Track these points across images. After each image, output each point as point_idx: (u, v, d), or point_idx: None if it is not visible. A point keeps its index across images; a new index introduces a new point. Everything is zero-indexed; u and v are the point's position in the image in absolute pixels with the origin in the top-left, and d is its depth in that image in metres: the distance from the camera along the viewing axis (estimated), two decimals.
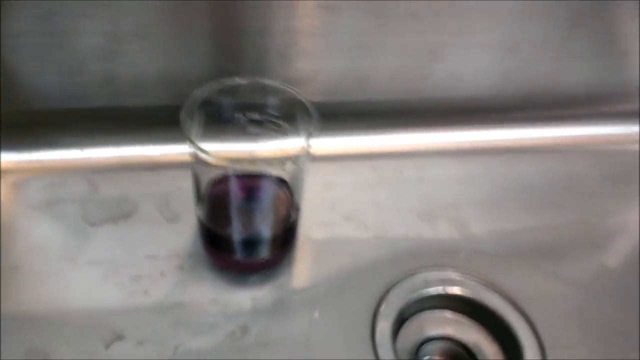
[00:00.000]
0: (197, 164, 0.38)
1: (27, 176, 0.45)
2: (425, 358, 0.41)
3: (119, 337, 0.36)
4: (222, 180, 0.40)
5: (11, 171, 0.45)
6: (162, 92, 0.47)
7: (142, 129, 0.48)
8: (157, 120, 0.47)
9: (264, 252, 0.40)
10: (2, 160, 0.46)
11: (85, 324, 0.36)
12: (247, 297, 0.39)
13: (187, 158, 0.38)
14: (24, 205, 0.43)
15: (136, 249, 0.41)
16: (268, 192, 0.42)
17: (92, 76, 0.44)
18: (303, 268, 0.42)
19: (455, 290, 0.41)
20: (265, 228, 0.41)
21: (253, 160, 0.38)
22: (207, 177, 0.40)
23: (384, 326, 0.38)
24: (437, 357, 0.41)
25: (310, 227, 0.44)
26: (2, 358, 0.34)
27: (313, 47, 0.46)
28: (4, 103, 0.44)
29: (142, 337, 0.36)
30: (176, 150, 0.48)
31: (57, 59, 0.43)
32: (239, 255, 0.40)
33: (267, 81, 0.39)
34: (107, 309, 0.37)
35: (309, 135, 0.35)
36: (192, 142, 0.34)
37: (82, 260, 0.40)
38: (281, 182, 0.41)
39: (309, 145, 0.35)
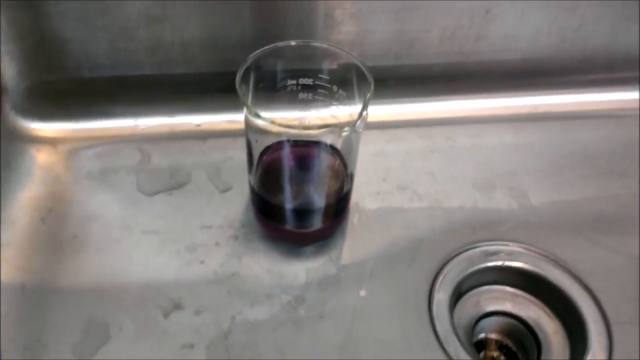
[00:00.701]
0: (250, 131, 0.37)
1: (80, 145, 0.45)
2: (481, 335, 0.40)
3: (177, 307, 0.36)
4: (275, 148, 0.40)
5: (64, 140, 0.46)
6: (209, 58, 0.46)
7: (191, 97, 0.47)
8: (206, 87, 0.47)
9: (317, 223, 0.40)
10: (54, 129, 0.46)
11: (144, 294, 0.37)
12: (301, 268, 0.39)
13: (237, 127, 0.38)
14: (78, 175, 0.44)
15: (191, 218, 0.41)
16: (321, 161, 0.41)
17: (140, 42, 0.44)
18: (356, 239, 0.41)
19: (515, 263, 0.40)
20: (318, 198, 0.40)
21: (307, 127, 0.37)
22: (260, 145, 0.39)
23: (441, 299, 0.38)
24: (495, 334, 0.40)
25: (363, 197, 0.43)
26: (66, 326, 0.35)
27: (360, 9, 0.45)
28: (54, 71, 0.44)
29: (199, 306, 0.36)
30: (226, 119, 0.48)
31: (104, 24, 0.43)
32: (291, 225, 0.40)
33: (320, 43, 0.37)
34: (164, 278, 0.38)
35: (366, 101, 0.34)
36: (247, 106, 0.33)
37: (138, 229, 0.40)
38: (334, 150, 0.40)
39: (365, 112, 0.34)
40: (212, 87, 0.46)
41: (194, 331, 0.35)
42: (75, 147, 0.45)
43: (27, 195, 0.42)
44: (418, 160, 0.47)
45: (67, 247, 0.39)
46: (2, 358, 0.33)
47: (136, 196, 0.42)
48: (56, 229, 0.40)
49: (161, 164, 0.45)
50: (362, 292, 0.38)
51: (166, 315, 0.36)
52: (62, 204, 0.42)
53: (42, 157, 0.44)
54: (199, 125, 0.47)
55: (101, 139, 0.46)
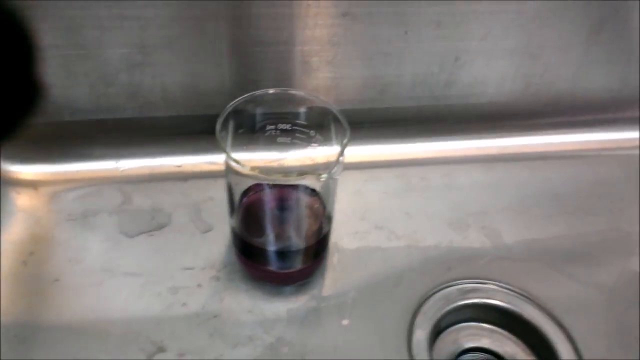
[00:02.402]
0: (230, 174, 0.38)
1: (61, 188, 0.46)
2: None
3: (160, 349, 0.36)
4: (255, 191, 0.41)
5: (45, 183, 0.46)
6: (189, 102, 0.47)
7: (171, 139, 0.48)
8: (186, 130, 0.48)
9: (298, 263, 0.41)
10: (35, 172, 0.46)
11: (127, 336, 0.37)
12: (282, 307, 0.40)
13: (217, 168, 0.39)
14: (60, 217, 0.44)
15: (172, 260, 0.42)
16: (301, 203, 0.42)
17: (121, 87, 0.45)
18: (336, 278, 0.42)
19: (491, 301, 0.41)
20: (298, 239, 0.41)
21: (285, 171, 0.38)
22: (240, 188, 0.40)
23: (420, 337, 0.38)
24: None
25: (342, 237, 0.45)
26: None
27: (336, 56, 0.47)
28: (35, 115, 0.44)
29: (182, 348, 0.36)
30: (206, 160, 0.49)
31: (85, 70, 0.44)
32: (272, 265, 0.40)
33: (297, 91, 0.39)
34: (147, 320, 0.38)
35: (342, 147, 0.35)
36: (227, 154, 0.34)
37: (120, 272, 0.40)
38: (313, 192, 0.42)
39: (342, 158, 0.36)
40: (192, 130, 0.48)
41: None
42: (56, 189, 0.45)
43: (8, 238, 0.42)
44: (394, 200, 0.48)
45: (49, 290, 0.39)
46: None
47: (118, 238, 0.43)
48: (38, 272, 0.40)
49: (142, 205, 0.45)
50: (344, 331, 0.39)
51: (149, 358, 0.36)
52: (43, 246, 0.42)
53: (23, 199, 0.44)
54: (179, 167, 0.48)
55: (82, 181, 0.46)
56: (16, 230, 0.42)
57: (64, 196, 0.45)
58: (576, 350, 0.38)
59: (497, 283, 0.42)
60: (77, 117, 0.46)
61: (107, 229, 0.43)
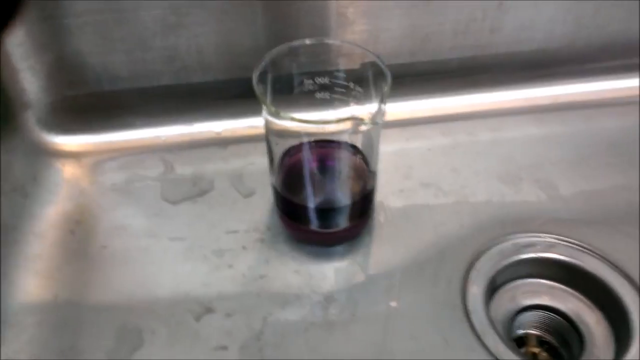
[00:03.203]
0: (270, 133, 0.37)
1: (103, 158, 0.46)
2: (520, 331, 0.39)
3: (208, 310, 0.36)
4: (296, 150, 0.40)
5: (88, 154, 0.46)
6: (225, 65, 0.46)
7: (209, 104, 0.48)
8: (224, 94, 0.47)
9: (342, 222, 0.40)
10: (78, 143, 0.46)
11: (174, 299, 0.37)
12: (329, 268, 0.39)
13: (257, 132, 0.38)
14: (103, 187, 0.44)
15: (216, 224, 0.41)
16: (343, 160, 0.41)
17: (157, 52, 0.44)
18: (383, 237, 0.41)
19: (550, 255, 0.39)
20: (342, 197, 0.40)
21: (325, 121, 0.37)
22: (280, 147, 0.39)
23: (475, 293, 0.37)
24: (534, 330, 0.39)
25: (387, 196, 0.43)
26: (100, 332, 0.35)
27: (372, 6, 0.45)
28: (75, 86, 0.45)
29: (230, 309, 0.36)
30: (245, 124, 0.48)
31: (121, 35, 0.43)
32: (316, 225, 0.39)
33: (335, 41, 0.38)
34: (193, 284, 0.38)
35: (384, 93, 0.34)
36: (266, 105, 0.33)
37: (165, 237, 0.40)
38: (355, 149, 0.40)
39: (383, 105, 0.34)
40: (229, 94, 0.47)
41: (226, 333, 0.35)
42: (99, 159, 0.46)
43: (54, 210, 0.42)
44: (440, 157, 0.46)
45: (96, 258, 0.39)
46: None
47: (161, 205, 0.43)
48: (85, 241, 0.40)
49: (184, 173, 0.45)
50: (393, 290, 0.37)
51: (198, 319, 0.36)
52: (89, 215, 0.42)
53: (67, 170, 0.45)
54: (219, 133, 0.48)
55: (124, 150, 0.46)
56: (62, 201, 0.43)
57: (107, 166, 0.45)
58: None
59: (555, 236, 0.40)
60: (116, 86, 0.46)
61: (150, 196, 0.43)
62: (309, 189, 0.40)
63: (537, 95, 0.50)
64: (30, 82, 0.43)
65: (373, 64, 0.36)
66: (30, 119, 0.44)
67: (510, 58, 0.49)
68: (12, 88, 0.42)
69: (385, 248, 0.40)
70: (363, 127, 0.33)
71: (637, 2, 0.47)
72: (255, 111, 0.35)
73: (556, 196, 0.43)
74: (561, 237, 0.39)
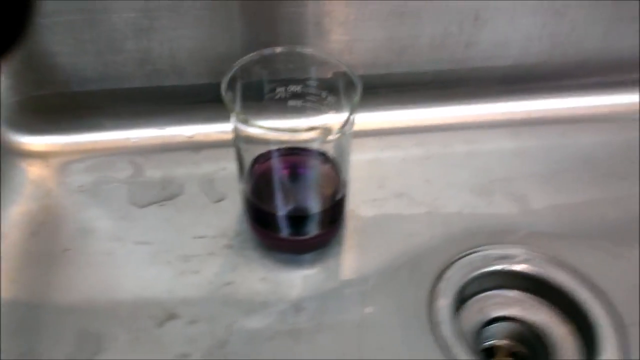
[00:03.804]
0: (239, 140, 0.37)
1: (71, 159, 0.45)
2: (489, 342, 0.39)
3: (172, 316, 0.35)
4: (266, 157, 0.39)
5: (55, 154, 0.45)
6: (199, 70, 0.46)
7: (182, 108, 0.47)
8: (197, 98, 0.47)
9: (312, 230, 0.39)
10: (45, 143, 0.45)
11: (137, 305, 0.36)
12: (297, 276, 0.38)
13: (229, 137, 0.38)
14: (70, 188, 0.43)
15: (183, 229, 0.40)
16: (313, 168, 0.41)
17: (129, 54, 0.44)
18: (354, 246, 0.40)
19: (519, 267, 0.39)
20: (312, 204, 0.39)
21: (294, 130, 0.37)
22: (250, 154, 0.39)
23: (443, 305, 0.36)
24: (503, 341, 0.39)
25: (359, 205, 0.43)
26: (59, 337, 0.34)
27: (349, 17, 0.44)
28: (44, 86, 0.44)
29: (194, 315, 0.35)
30: (218, 129, 0.47)
31: (91, 37, 0.42)
32: (286, 233, 0.39)
33: (307, 50, 0.37)
34: (158, 289, 0.37)
35: (353, 107, 0.34)
36: (235, 113, 0.33)
37: (130, 241, 0.39)
38: (326, 157, 0.40)
39: (353, 117, 0.34)
40: (203, 98, 0.46)
41: (189, 341, 0.34)
42: (66, 160, 0.45)
43: (18, 210, 0.41)
44: (414, 168, 0.46)
45: (59, 261, 0.38)
46: None
47: (128, 208, 0.42)
48: (48, 243, 0.39)
49: (153, 176, 0.44)
50: (362, 300, 0.37)
51: (160, 325, 0.35)
52: (53, 217, 0.41)
53: (33, 171, 0.44)
54: (191, 137, 0.47)
55: (92, 152, 0.45)
56: (26, 201, 0.42)
57: (75, 167, 0.44)
58: (614, 315, 0.36)
59: (526, 249, 0.40)
60: (86, 87, 0.45)
61: (117, 199, 0.42)
62: (278, 197, 0.39)
63: (512, 109, 0.51)
64: None
65: (345, 74, 0.36)
66: None
67: (486, 72, 0.50)
68: None
69: (355, 257, 0.40)
70: (331, 137, 0.33)
71: (612, 20, 0.48)
72: (228, 116, 0.35)
73: (528, 209, 0.43)
74: (532, 250, 0.39)
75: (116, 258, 0.38)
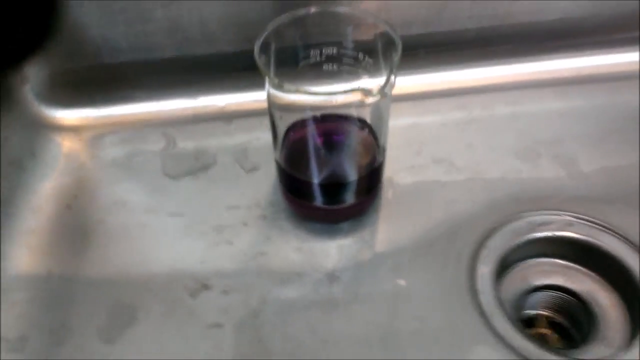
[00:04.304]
0: (273, 107, 0.35)
1: (104, 132, 0.45)
2: (530, 311, 0.37)
3: (205, 287, 0.35)
4: (301, 125, 0.38)
5: (87, 127, 0.45)
6: (229, 37, 0.44)
7: (214, 77, 0.46)
8: (228, 67, 0.46)
9: (348, 199, 0.38)
10: (78, 116, 0.45)
11: (171, 276, 0.36)
12: (333, 246, 0.37)
13: (263, 106, 0.37)
14: (103, 161, 0.43)
15: (217, 200, 0.40)
16: (350, 134, 0.39)
17: (158, 24, 0.43)
18: (391, 215, 0.39)
19: (565, 233, 0.36)
20: (348, 172, 0.38)
21: (331, 96, 0.35)
22: (284, 122, 0.37)
23: (485, 273, 0.35)
24: (545, 310, 0.37)
25: (397, 172, 0.41)
26: (92, 309, 0.34)
27: None
28: (75, 58, 0.43)
29: (228, 286, 0.35)
30: (250, 98, 0.46)
31: (121, 7, 0.42)
32: (320, 202, 0.38)
33: (342, 9, 0.35)
34: (191, 260, 0.36)
35: (393, 66, 0.32)
36: (269, 77, 0.32)
37: (164, 213, 0.39)
38: (363, 123, 0.38)
39: (393, 79, 0.32)
40: (235, 66, 0.45)
41: (222, 311, 0.34)
42: (99, 133, 0.45)
43: (52, 183, 0.41)
44: (454, 132, 0.44)
45: (93, 233, 0.38)
46: (28, 342, 0.33)
47: (161, 180, 0.41)
48: (82, 216, 0.39)
49: (186, 147, 0.44)
50: (400, 269, 0.36)
51: (193, 296, 0.34)
52: (87, 190, 0.41)
53: (66, 144, 0.44)
54: (223, 107, 0.46)
55: (125, 124, 0.45)
56: (60, 175, 0.42)
57: (107, 140, 0.44)
58: None
59: (572, 214, 0.37)
60: (117, 59, 0.44)
61: (150, 171, 0.42)
62: (313, 165, 0.38)
63: (558, 67, 0.47)
64: None
65: (383, 34, 0.34)
66: (29, 92, 0.43)
67: (530, 28, 0.46)
68: None
69: (392, 226, 0.38)
70: (371, 99, 0.31)
71: None
72: (261, 84, 0.34)
73: (576, 173, 0.41)
74: (579, 216, 0.37)
75: (150, 230, 0.38)
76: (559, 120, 0.44)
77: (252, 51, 0.32)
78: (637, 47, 0.48)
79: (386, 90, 0.32)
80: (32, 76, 0.43)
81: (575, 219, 0.37)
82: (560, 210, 0.38)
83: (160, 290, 0.35)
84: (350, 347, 0.32)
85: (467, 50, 0.47)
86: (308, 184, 0.37)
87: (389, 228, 0.38)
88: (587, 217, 0.37)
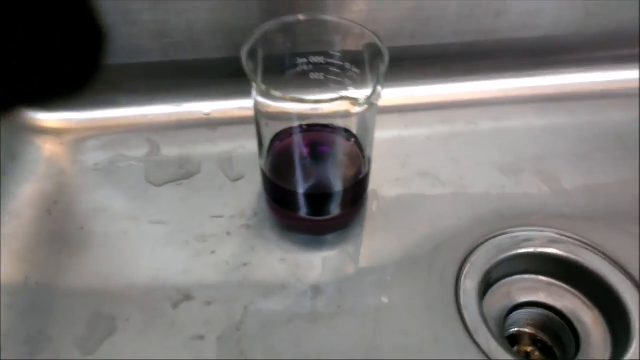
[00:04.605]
0: (260, 115, 0.35)
1: (86, 136, 0.44)
2: (513, 329, 0.37)
3: (187, 297, 0.34)
4: (287, 133, 0.38)
5: (69, 131, 0.44)
6: (217, 43, 0.44)
7: (199, 83, 0.46)
8: (215, 73, 0.45)
9: (333, 210, 0.38)
10: (60, 119, 0.44)
11: (152, 285, 0.35)
12: (317, 257, 0.37)
13: (248, 114, 0.36)
14: (85, 166, 0.42)
15: (200, 208, 0.39)
16: (335, 144, 0.39)
17: (144, 26, 0.42)
18: (376, 227, 0.39)
19: (548, 250, 0.37)
20: (333, 183, 0.38)
21: (318, 104, 0.35)
22: (270, 130, 0.37)
23: (469, 287, 0.35)
24: (528, 328, 0.37)
25: (381, 184, 0.41)
26: (70, 318, 0.33)
27: None
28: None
29: (210, 297, 0.34)
30: (236, 106, 0.46)
31: (107, 8, 0.41)
32: (305, 212, 0.37)
33: (330, 17, 0.35)
34: (173, 270, 0.36)
35: (380, 75, 0.32)
36: (256, 82, 0.31)
37: (146, 220, 0.38)
38: (349, 133, 0.38)
39: (379, 88, 0.32)
40: (221, 73, 0.45)
41: (204, 322, 0.33)
42: (81, 137, 0.44)
43: (32, 188, 0.40)
44: (439, 145, 0.44)
45: (73, 239, 0.37)
46: (3, 350, 0.32)
47: (144, 186, 0.41)
48: (62, 221, 0.38)
49: (170, 154, 0.43)
50: (384, 283, 0.36)
51: (175, 306, 0.34)
52: (68, 195, 0.40)
53: (47, 148, 0.43)
54: (208, 114, 0.46)
55: (108, 129, 0.44)
56: (40, 179, 0.41)
57: (89, 145, 0.43)
58: None
59: (555, 231, 0.38)
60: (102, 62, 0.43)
61: (133, 177, 0.41)
62: (299, 174, 0.38)
63: (542, 84, 0.48)
64: None
65: (370, 44, 0.34)
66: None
67: (515, 44, 0.47)
68: None
69: (377, 239, 0.38)
70: (357, 108, 0.31)
71: None
72: (248, 92, 0.34)
73: (558, 190, 0.41)
74: (562, 233, 0.38)
75: (131, 238, 0.38)
76: (542, 137, 0.45)
77: (238, 58, 0.32)
78: (619, 66, 0.48)
79: (373, 99, 0.32)
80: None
81: (558, 236, 0.37)
82: (544, 227, 0.38)
83: (141, 300, 0.34)
84: None
85: (452, 65, 0.47)
86: (293, 194, 0.37)
87: (373, 241, 0.38)
88: (569, 234, 0.37)
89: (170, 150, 0.43)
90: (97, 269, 0.36)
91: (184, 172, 0.42)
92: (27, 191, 0.40)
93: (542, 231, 0.38)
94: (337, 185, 0.38)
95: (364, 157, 0.37)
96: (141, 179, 0.41)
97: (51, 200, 0.39)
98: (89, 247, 0.37)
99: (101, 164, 0.42)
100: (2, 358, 0.32)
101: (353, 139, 0.38)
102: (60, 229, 0.38)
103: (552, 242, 0.37)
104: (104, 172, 0.42)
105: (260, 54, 0.34)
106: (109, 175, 0.41)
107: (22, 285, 0.35)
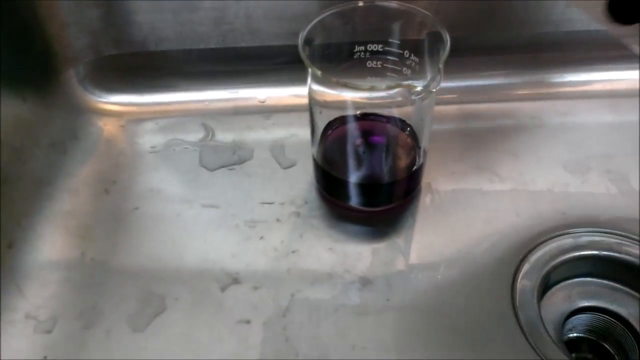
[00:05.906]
0: (314, 102, 0.35)
1: (145, 119, 0.45)
2: (572, 334, 0.35)
3: (235, 281, 0.34)
4: (340, 121, 0.37)
5: (129, 114, 0.45)
6: (274, 30, 0.44)
7: (256, 70, 0.46)
8: (271, 61, 0.45)
9: (384, 201, 0.37)
10: (120, 102, 0.45)
11: (202, 267, 0.35)
12: (366, 248, 0.36)
13: (302, 102, 0.36)
14: (142, 148, 0.43)
15: (252, 194, 0.39)
16: (389, 134, 0.38)
17: (205, 13, 0.43)
18: (428, 221, 0.38)
19: (614, 254, 0.35)
20: (386, 173, 0.37)
21: (375, 90, 0.34)
22: (324, 118, 0.37)
23: (527, 288, 0.33)
24: (588, 333, 0.35)
25: (436, 178, 0.40)
26: (122, 295, 0.34)
27: None
28: (121, 44, 0.44)
29: (257, 282, 0.34)
30: (290, 93, 0.46)
31: None
32: (356, 202, 0.37)
33: (390, 3, 0.34)
34: (223, 253, 0.36)
35: (440, 62, 0.31)
36: (311, 67, 0.31)
37: (198, 203, 0.39)
38: (404, 123, 0.37)
39: (440, 75, 0.31)
40: (277, 61, 0.45)
41: (250, 307, 0.33)
42: (139, 120, 0.45)
43: (91, 168, 0.41)
44: (499, 139, 0.43)
45: (128, 219, 0.38)
46: (58, 323, 0.33)
47: (198, 171, 0.41)
48: (118, 201, 0.39)
49: (224, 140, 0.43)
50: (434, 280, 0.34)
51: (223, 289, 0.34)
52: (125, 176, 0.41)
53: (107, 129, 0.44)
54: (263, 101, 0.46)
55: (165, 112, 0.45)
56: (99, 159, 0.42)
57: (147, 128, 0.44)
58: None
59: (622, 234, 0.35)
60: (162, 47, 0.44)
61: (188, 161, 0.42)
62: (351, 163, 0.37)
63: (614, 78, 0.45)
64: (76, 38, 0.43)
65: (431, 32, 0.33)
66: (74, 76, 0.44)
67: (585, 36, 0.44)
68: (58, 43, 0.42)
69: (429, 233, 0.37)
70: (415, 96, 0.30)
71: None
72: (302, 80, 0.33)
73: (627, 190, 0.39)
74: (630, 236, 0.35)
75: (184, 220, 0.38)
76: (612, 134, 0.42)
77: (295, 46, 0.31)
78: None
79: (432, 87, 0.31)
80: (79, 59, 0.43)
81: (625, 240, 0.35)
82: (610, 229, 0.36)
83: (191, 281, 0.34)
84: (380, 354, 0.31)
85: (517, 56, 0.45)
86: (344, 183, 0.36)
87: (425, 235, 0.37)
88: (637, 238, 0.35)
89: (225, 136, 0.43)
90: (150, 249, 0.36)
91: (237, 158, 0.42)
92: (87, 171, 0.41)
93: (608, 233, 0.36)
94: (390, 176, 0.37)
95: (418, 147, 0.36)
96: (195, 163, 0.42)
97: (109, 180, 0.41)
98: (143, 227, 0.38)
99: (158, 146, 0.43)
100: (56, 331, 0.33)
101: (408, 129, 0.37)
102: (116, 208, 0.39)
103: (617, 245, 0.35)
104: (160, 155, 0.42)
105: (317, 42, 0.34)
106: (164, 158, 0.42)
107: (77, 261, 0.36)
